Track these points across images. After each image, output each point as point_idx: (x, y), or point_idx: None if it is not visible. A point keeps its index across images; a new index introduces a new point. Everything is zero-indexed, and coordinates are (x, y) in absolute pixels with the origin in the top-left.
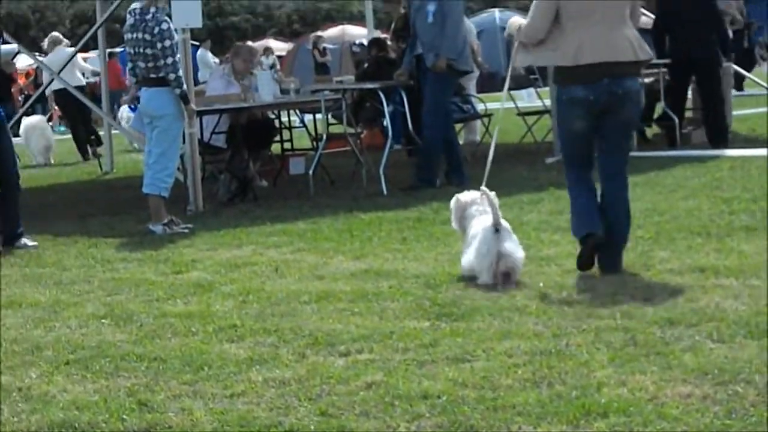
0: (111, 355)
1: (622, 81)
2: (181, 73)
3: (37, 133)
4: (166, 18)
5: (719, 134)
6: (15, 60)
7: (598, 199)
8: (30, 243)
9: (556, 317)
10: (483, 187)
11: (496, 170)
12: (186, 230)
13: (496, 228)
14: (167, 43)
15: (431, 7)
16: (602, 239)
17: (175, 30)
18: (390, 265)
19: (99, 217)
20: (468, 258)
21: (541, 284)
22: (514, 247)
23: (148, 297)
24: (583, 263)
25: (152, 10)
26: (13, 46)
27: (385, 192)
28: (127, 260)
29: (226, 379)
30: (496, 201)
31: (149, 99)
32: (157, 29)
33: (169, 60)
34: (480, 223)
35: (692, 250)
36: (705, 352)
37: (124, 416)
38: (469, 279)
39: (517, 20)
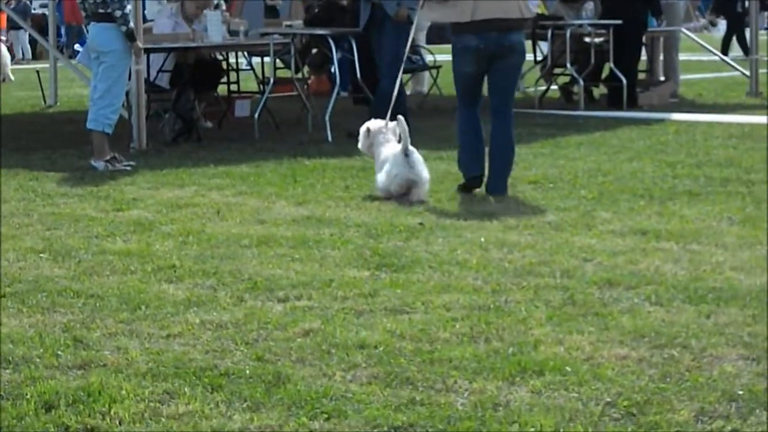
0: (48, 290)
1: (508, 35)
2: (128, 10)
3: None
4: None
5: (617, 96)
6: None
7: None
8: None
9: (496, 273)
10: (399, 117)
11: (441, 125)
12: (128, 168)
13: (406, 153)
14: None
15: None
16: (482, 179)
17: None
18: (332, 213)
19: (41, 151)
20: (381, 179)
21: (482, 239)
22: (421, 170)
23: (87, 233)
24: (463, 191)
25: None
26: None
27: (329, 139)
28: (67, 195)
29: (163, 319)
30: (406, 128)
31: (96, 34)
32: None
33: None
34: (389, 149)
35: (634, 212)
36: (643, 315)
37: (59, 352)
38: (410, 230)
39: None
